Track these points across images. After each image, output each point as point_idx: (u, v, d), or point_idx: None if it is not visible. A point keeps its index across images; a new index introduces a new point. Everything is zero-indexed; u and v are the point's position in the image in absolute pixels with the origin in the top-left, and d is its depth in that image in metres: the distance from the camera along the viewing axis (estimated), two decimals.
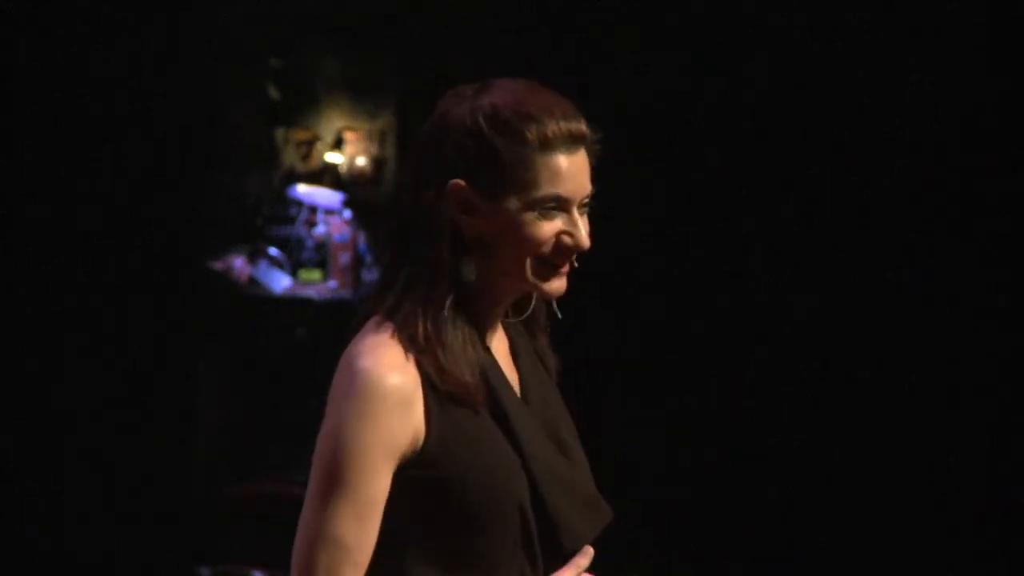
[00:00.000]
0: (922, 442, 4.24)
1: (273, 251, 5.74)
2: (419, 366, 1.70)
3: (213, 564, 4.85)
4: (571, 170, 1.73)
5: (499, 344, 1.82)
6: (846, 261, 4.32)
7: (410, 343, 1.70)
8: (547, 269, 1.75)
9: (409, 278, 1.73)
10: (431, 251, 1.73)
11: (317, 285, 5.74)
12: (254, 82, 5.75)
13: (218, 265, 5.56)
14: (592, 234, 1.77)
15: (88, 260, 4.67)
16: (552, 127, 1.72)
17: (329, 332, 5.38)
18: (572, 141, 1.73)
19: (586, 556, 1.78)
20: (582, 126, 1.75)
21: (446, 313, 1.72)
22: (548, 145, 1.72)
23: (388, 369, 1.68)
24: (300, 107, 5.88)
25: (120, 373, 4.72)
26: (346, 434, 1.66)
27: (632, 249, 4.34)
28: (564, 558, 1.78)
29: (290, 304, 5.66)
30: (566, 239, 1.74)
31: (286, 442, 5.23)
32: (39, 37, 4.58)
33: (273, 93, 5.83)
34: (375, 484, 1.67)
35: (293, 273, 5.78)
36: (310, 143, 5.90)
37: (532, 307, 1.85)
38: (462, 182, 1.72)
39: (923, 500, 4.24)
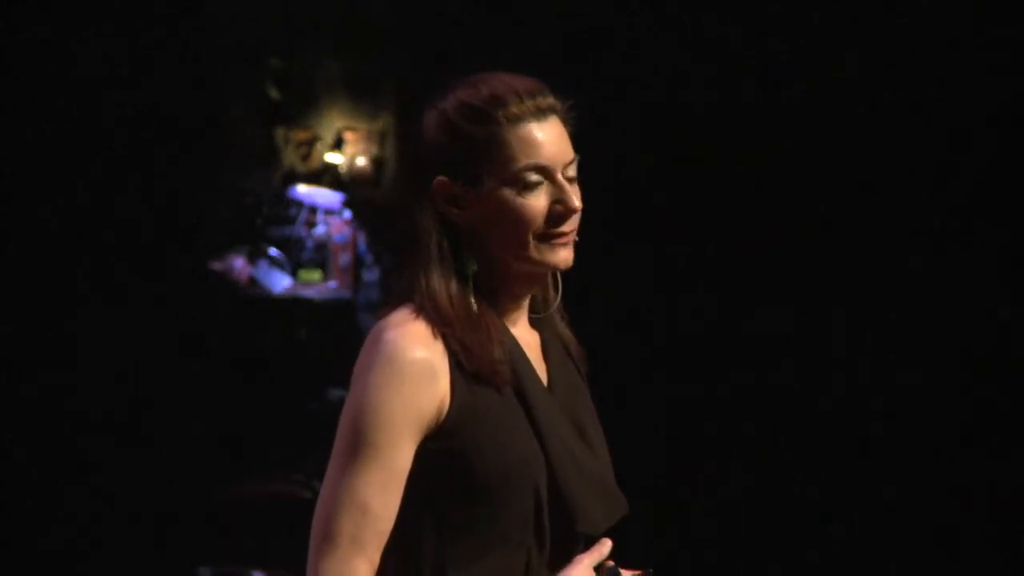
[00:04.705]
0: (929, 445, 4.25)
1: (273, 251, 5.74)
2: (446, 342, 1.72)
3: (213, 564, 4.85)
4: (545, 138, 1.76)
5: (529, 337, 1.84)
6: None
7: (436, 320, 1.73)
8: (548, 242, 1.77)
9: (419, 277, 1.76)
10: (427, 251, 1.76)
11: (317, 285, 5.74)
12: (254, 82, 5.75)
13: (218, 265, 5.56)
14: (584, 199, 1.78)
15: (87, 260, 4.66)
16: (518, 104, 1.75)
17: (329, 332, 5.39)
18: (541, 113, 1.77)
19: (605, 545, 1.79)
20: (548, 98, 1.78)
21: (463, 300, 1.75)
22: (517, 120, 1.75)
23: (413, 341, 1.71)
24: (300, 107, 5.88)
25: (119, 373, 4.71)
26: (372, 403, 1.69)
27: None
28: (576, 543, 1.79)
29: (290, 304, 5.66)
30: (557, 207, 1.77)
31: (286, 442, 5.23)
32: (38, 36, 4.57)
33: (273, 93, 5.83)
34: (400, 453, 1.69)
35: (293, 273, 5.78)
36: (310, 143, 5.90)
37: (559, 297, 1.86)
38: (444, 178, 1.77)
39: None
